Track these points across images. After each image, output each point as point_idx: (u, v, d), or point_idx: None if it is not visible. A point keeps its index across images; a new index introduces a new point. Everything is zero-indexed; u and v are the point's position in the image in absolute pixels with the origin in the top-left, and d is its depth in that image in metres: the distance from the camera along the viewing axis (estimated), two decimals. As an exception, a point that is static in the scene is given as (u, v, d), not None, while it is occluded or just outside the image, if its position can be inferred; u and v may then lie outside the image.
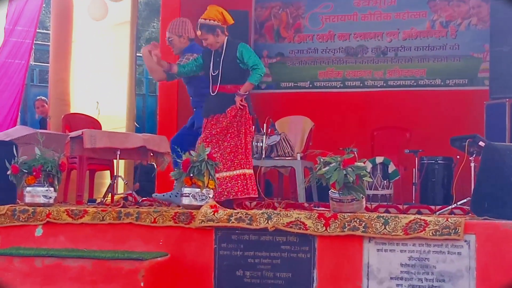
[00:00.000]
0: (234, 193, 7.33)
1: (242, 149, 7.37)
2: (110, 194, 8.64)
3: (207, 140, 7.37)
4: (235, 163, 7.36)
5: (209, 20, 7.41)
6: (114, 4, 11.03)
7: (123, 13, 11.25)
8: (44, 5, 11.52)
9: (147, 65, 8.15)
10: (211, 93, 7.47)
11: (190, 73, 7.68)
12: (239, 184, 7.34)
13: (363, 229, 6.08)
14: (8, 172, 7.26)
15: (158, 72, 7.93)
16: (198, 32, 7.44)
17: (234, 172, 7.37)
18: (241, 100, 7.33)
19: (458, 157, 8.22)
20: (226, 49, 7.44)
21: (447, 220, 5.94)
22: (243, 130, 7.40)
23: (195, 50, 7.99)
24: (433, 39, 11.39)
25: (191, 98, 8.21)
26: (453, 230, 5.86)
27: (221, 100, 7.41)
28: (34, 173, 7.20)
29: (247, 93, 7.37)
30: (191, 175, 6.79)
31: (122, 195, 8.84)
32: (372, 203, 8.34)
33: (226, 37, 7.48)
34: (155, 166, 10.21)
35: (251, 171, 7.43)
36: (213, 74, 7.45)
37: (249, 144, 7.47)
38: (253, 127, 7.63)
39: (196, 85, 8.00)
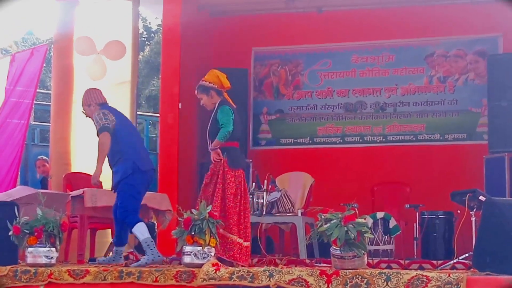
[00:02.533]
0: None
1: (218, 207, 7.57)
2: (111, 252, 8.63)
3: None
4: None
5: (206, 82, 7.88)
6: (113, 63, 11.13)
7: (123, 73, 11.35)
8: (44, 65, 11.61)
9: None
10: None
11: None
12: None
13: (365, 286, 6.06)
14: (10, 233, 7.27)
15: None
16: (196, 92, 7.88)
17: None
18: (218, 154, 7.67)
19: (458, 211, 8.24)
20: (215, 110, 7.80)
21: (449, 275, 5.92)
22: (221, 185, 7.67)
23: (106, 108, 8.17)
24: (431, 94, 11.46)
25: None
26: (455, 286, 5.84)
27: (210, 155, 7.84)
28: (36, 234, 7.22)
29: (216, 148, 7.68)
30: (193, 233, 6.81)
31: (124, 253, 8.82)
32: (373, 258, 8.33)
33: (220, 100, 7.82)
34: (156, 224, 10.22)
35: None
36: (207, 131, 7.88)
37: (229, 199, 7.66)
38: (241, 181, 7.78)
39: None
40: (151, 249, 7.65)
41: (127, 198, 7.85)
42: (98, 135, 7.96)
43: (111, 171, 8.01)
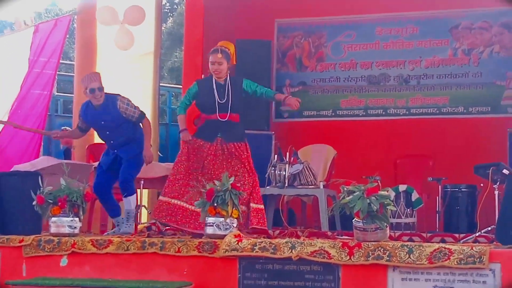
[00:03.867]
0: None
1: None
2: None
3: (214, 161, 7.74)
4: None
5: (228, 50, 7.85)
6: (137, 34, 11.12)
7: (147, 44, 11.35)
8: (68, 36, 11.63)
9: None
10: (220, 119, 7.78)
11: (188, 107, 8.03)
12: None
13: (388, 258, 6.07)
14: (34, 203, 7.32)
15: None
16: (219, 55, 7.78)
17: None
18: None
19: (482, 185, 8.17)
20: (231, 82, 7.79)
21: (472, 248, 5.92)
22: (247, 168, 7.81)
23: None
24: (455, 67, 11.37)
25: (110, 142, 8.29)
26: (478, 259, 5.84)
27: (228, 127, 7.79)
28: (59, 204, 7.26)
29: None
30: (215, 204, 6.84)
31: (145, 225, 8.88)
32: (395, 231, 8.31)
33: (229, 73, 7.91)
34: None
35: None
36: (220, 102, 7.76)
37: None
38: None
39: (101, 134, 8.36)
40: (131, 221, 8.15)
41: (137, 171, 8.26)
42: (139, 121, 8.21)
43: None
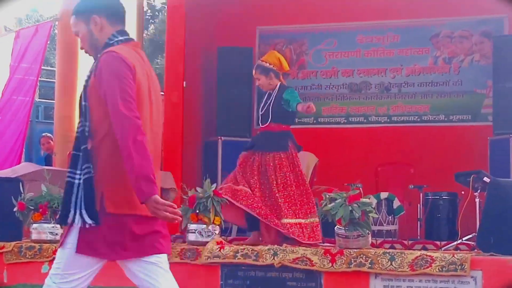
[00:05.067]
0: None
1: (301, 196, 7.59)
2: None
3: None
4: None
5: (266, 63, 7.79)
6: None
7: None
8: (49, 42, 11.59)
9: None
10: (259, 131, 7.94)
11: None
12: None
13: (370, 265, 6.09)
14: (15, 209, 7.29)
15: None
16: (254, 72, 7.82)
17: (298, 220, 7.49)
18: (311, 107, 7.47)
19: (463, 192, 8.22)
20: (277, 92, 7.73)
21: (453, 256, 5.95)
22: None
23: None
24: (436, 75, 11.43)
25: None
26: (460, 266, 5.87)
27: (266, 138, 7.78)
28: (41, 210, 7.25)
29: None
30: (197, 211, 6.83)
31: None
32: (377, 238, 8.33)
33: (280, 83, 7.78)
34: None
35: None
36: (261, 113, 7.82)
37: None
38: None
39: None
40: None
41: None
42: None
43: None
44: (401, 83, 11.58)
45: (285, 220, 7.35)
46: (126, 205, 3.95)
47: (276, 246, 6.78)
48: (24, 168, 9.03)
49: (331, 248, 6.47)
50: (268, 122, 7.72)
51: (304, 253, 6.32)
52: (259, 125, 7.95)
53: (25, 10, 32.90)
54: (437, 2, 11.26)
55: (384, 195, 9.21)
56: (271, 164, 7.57)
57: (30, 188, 7.51)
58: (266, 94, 7.88)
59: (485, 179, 7.58)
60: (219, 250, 6.56)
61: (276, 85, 7.76)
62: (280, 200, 7.39)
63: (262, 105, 7.85)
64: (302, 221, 7.41)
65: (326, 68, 11.93)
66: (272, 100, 7.73)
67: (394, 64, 11.62)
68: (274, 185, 7.46)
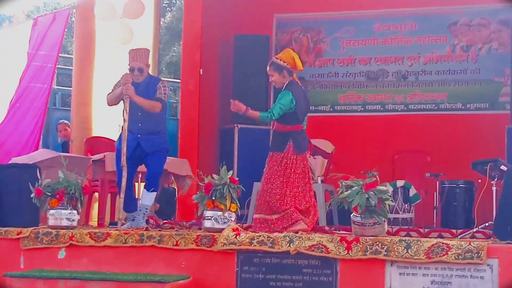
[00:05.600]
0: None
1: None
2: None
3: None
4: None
5: (280, 60, 7.63)
6: (137, 29, 11.10)
7: (145, 38, 11.32)
8: (66, 30, 11.61)
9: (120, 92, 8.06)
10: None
11: None
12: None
13: (385, 253, 6.08)
14: (32, 195, 7.33)
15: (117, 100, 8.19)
16: (268, 69, 7.67)
17: None
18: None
19: (479, 181, 8.20)
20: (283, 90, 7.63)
21: (470, 244, 5.93)
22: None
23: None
24: (454, 63, 11.38)
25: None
26: (476, 254, 5.85)
27: (272, 138, 7.86)
28: (58, 196, 7.27)
29: (243, 113, 7.50)
30: (213, 198, 6.84)
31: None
32: (393, 226, 8.33)
33: (288, 81, 7.62)
34: (176, 190, 10.25)
35: None
36: None
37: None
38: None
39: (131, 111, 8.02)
40: (144, 217, 8.01)
41: (162, 166, 8.19)
42: (161, 101, 7.99)
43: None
44: (418, 71, 11.55)
45: (256, 215, 7.45)
46: None
47: (292, 233, 6.78)
48: (41, 154, 9.06)
49: (347, 235, 6.46)
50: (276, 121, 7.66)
51: (320, 240, 6.31)
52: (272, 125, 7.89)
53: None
54: (455, -10, 11.21)
55: (400, 183, 9.19)
56: (274, 163, 7.54)
57: (47, 174, 7.55)
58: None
59: (502, 167, 7.57)
60: (235, 237, 6.56)
61: (286, 83, 7.67)
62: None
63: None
64: (268, 217, 7.42)
65: (343, 56, 11.90)
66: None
67: (411, 52, 11.58)
68: (264, 181, 7.48)
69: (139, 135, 7.98)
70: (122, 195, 7.90)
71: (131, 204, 8.09)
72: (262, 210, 7.42)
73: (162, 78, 8.22)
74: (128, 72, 8.01)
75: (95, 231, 7.07)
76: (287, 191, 7.38)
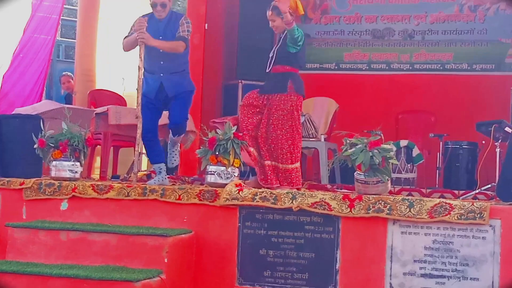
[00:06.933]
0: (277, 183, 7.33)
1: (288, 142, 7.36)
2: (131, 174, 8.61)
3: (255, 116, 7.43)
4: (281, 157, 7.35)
5: None
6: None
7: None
8: (71, -19, 11.54)
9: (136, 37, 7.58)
10: (268, 72, 7.55)
11: None
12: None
13: (388, 212, 6.08)
14: (35, 146, 7.31)
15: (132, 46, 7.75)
16: (269, 13, 7.44)
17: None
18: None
19: (483, 142, 8.19)
20: (286, 34, 7.39)
21: (473, 204, 5.92)
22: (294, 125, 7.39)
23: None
24: (461, 23, 11.30)
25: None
26: (479, 215, 5.85)
27: (268, 80, 7.54)
28: (61, 148, 7.24)
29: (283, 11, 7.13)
30: (217, 153, 6.82)
31: (145, 172, 8.86)
32: (395, 186, 8.33)
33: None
34: (179, 144, 10.20)
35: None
36: (270, 55, 7.55)
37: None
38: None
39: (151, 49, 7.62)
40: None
41: (187, 110, 7.90)
42: (183, 40, 7.61)
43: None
44: (425, 31, 11.48)
45: (266, 162, 7.33)
46: None
47: (294, 190, 6.77)
48: (44, 105, 9.03)
49: (350, 193, 6.45)
50: (275, 64, 7.46)
51: (322, 198, 6.30)
52: (269, 68, 7.56)
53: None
54: None
55: (403, 142, 9.18)
56: (272, 105, 7.39)
57: (51, 125, 7.51)
58: (277, 36, 7.64)
59: (507, 129, 7.55)
60: (238, 192, 6.56)
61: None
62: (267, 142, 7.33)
63: (273, 48, 7.59)
64: (280, 165, 7.33)
65: (349, 14, 11.82)
66: (280, 42, 7.50)
67: (418, 11, 11.50)
68: (265, 125, 7.34)
69: (161, 74, 7.63)
70: (137, 148, 7.68)
71: (159, 154, 7.84)
72: (272, 157, 7.35)
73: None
74: (151, 6, 7.61)
75: (98, 183, 7.06)
76: (296, 136, 7.32)
